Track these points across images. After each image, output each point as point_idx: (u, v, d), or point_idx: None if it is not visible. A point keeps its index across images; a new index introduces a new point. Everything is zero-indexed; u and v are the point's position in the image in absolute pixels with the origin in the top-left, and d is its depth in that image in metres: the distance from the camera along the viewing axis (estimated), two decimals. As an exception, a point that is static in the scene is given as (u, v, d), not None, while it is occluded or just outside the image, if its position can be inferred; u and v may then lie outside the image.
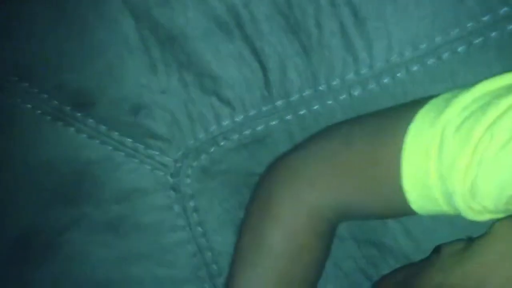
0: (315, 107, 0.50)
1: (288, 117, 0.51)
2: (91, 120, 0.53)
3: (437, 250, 0.42)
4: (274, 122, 0.51)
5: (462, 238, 0.43)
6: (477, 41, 0.46)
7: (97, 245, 0.53)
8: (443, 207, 0.41)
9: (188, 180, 0.53)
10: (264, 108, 0.51)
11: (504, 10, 0.44)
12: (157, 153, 0.52)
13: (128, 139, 0.52)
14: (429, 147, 0.39)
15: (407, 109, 0.42)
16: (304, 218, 0.45)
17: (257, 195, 0.48)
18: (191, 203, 0.53)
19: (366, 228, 0.52)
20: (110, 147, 0.53)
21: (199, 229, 0.53)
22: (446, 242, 0.42)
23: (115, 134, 0.52)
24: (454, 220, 0.48)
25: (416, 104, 0.42)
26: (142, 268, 0.53)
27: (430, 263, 0.41)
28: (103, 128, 0.53)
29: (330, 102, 0.50)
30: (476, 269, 0.38)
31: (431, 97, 0.42)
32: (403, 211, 0.43)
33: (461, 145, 0.38)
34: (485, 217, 0.41)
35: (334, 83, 0.50)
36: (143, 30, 0.50)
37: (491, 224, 0.41)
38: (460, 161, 0.38)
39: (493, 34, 0.45)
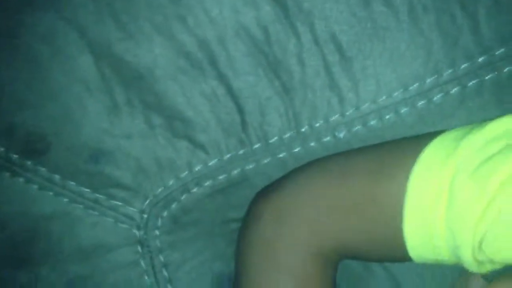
0: (296, 150, 0.47)
1: (266, 160, 0.47)
2: (43, 169, 0.46)
3: None
4: (251, 166, 0.47)
5: None
6: (471, 83, 0.43)
7: (55, 313, 0.46)
8: (444, 257, 0.38)
9: (157, 232, 0.47)
10: (240, 152, 0.47)
11: (501, 51, 0.42)
12: (120, 203, 0.47)
13: (87, 190, 0.47)
14: (437, 192, 0.36)
15: (411, 145, 0.39)
16: (311, 263, 0.41)
17: (247, 242, 0.44)
18: (160, 258, 0.48)
19: (349, 276, 0.49)
20: (66, 199, 0.47)
21: (169, 287, 0.48)
22: None
23: (72, 184, 0.46)
24: (440, 270, 0.47)
25: (421, 140, 0.39)
26: (104, 334, 0.47)
27: None
28: (57, 177, 0.46)
29: (312, 144, 0.46)
30: None
31: (436, 133, 0.39)
32: (400, 256, 0.40)
33: (476, 193, 0.35)
34: (486, 268, 0.38)
35: (317, 124, 0.46)
36: (104, 68, 0.44)
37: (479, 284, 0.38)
38: (474, 210, 0.35)
39: (489, 76, 0.43)
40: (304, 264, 0.42)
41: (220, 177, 0.47)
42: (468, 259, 0.37)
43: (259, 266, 0.43)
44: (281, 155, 0.47)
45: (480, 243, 0.36)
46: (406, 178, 0.38)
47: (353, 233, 0.41)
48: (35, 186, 0.46)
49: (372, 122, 0.46)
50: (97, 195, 0.47)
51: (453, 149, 0.37)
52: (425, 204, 0.37)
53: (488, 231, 0.35)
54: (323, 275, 0.43)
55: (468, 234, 0.35)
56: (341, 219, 0.41)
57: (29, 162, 0.46)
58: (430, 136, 0.39)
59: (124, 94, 0.45)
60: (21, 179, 0.46)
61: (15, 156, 0.46)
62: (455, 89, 0.44)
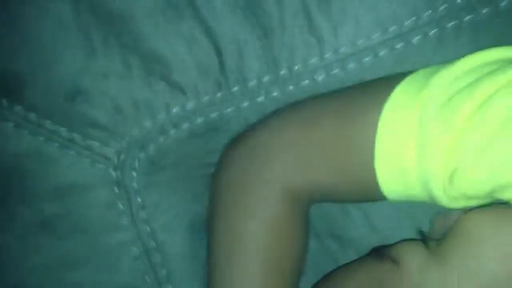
0: (275, 94, 0.46)
1: (245, 104, 0.47)
2: (18, 107, 0.46)
3: (382, 254, 0.39)
4: (229, 110, 0.47)
5: (413, 238, 0.41)
6: (450, 24, 0.43)
7: (29, 250, 0.47)
8: (416, 192, 0.38)
9: (134, 174, 0.47)
10: (218, 95, 0.46)
11: (479, -7, 0.42)
12: (97, 143, 0.47)
13: (63, 128, 0.46)
14: (407, 126, 0.36)
15: (382, 84, 0.39)
16: (281, 204, 0.42)
17: (220, 183, 0.44)
18: (138, 199, 0.48)
19: (327, 220, 0.49)
20: (41, 138, 0.46)
21: (146, 227, 0.48)
22: (388, 245, 0.40)
23: (47, 123, 0.46)
24: (416, 210, 0.47)
25: (392, 79, 0.39)
26: (79, 274, 0.48)
27: (392, 276, 0.38)
28: (33, 115, 0.46)
29: (291, 87, 0.46)
30: (464, 285, 0.35)
31: (408, 72, 0.39)
32: (374, 194, 0.40)
33: (446, 126, 0.35)
34: (460, 204, 0.38)
35: (296, 67, 0.46)
36: (80, 5, 0.44)
37: (456, 219, 0.38)
38: (443, 144, 0.35)
39: (467, 18, 0.42)
40: (274, 204, 0.42)
41: (198, 120, 0.47)
42: (439, 194, 0.37)
43: (229, 207, 0.43)
44: (259, 99, 0.47)
45: (451, 177, 0.36)
46: (377, 117, 0.38)
47: (325, 173, 0.41)
48: (11, 124, 0.46)
49: (351, 65, 0.45)
50: (73, 134, 0.46)
51: (423, 85, 0.37)
52: (395, 140, 0.37)
53: (458, 164, 0.35)
54: (294, 215, 0.43)
55: (438, 168, 0.35)
56: (312, 159, 0.41)
57: (4, 100, 0.46)
58: (401, 75, 0.39)
59: (100, 33, 0.44)
60: (-4, 117, 0.46)
61: (-11, 94, 0.45)
62: (434, 31, 0.44)
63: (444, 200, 0.37)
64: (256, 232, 0.42)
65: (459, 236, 0.36)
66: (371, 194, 0.40)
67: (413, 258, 0.37)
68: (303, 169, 0.41)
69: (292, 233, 0.43)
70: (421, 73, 0.39)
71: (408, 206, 0.47)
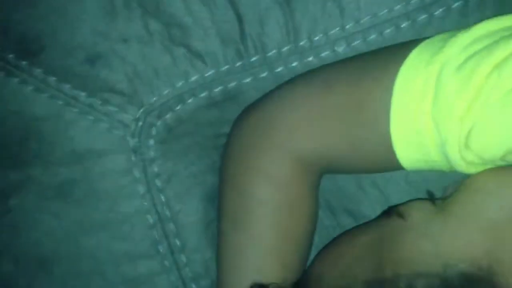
0: (294, 64, 0.46)
1: (264, 74, 0.47)
2: (38, 70, 0.46)
3: (390, 212, 0.39)
4: (247, 80, 0.47)
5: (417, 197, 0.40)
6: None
7: (45, 213, 0.46)
8: (433, 157, 0.38)
9: (151, 142, 0.47)
10: (237, 64, 0.46)
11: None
12: (115, 109, 0.46)
13: (82, 93, 0.46)
14: (423, 88, 0.36)
15: (397, 49, 0.39)
16: (290, 169, 0.41)
17: (230, 148, 0.44)
18: (154, 168, 0.47)
19: (341, 195, 0.48)
20: (60, 102, 0.46)
21: (161, 197, 0.48)
22: (399, 204, 0.39)
23: (67, 87, 0.46)
24: (432, 186, 0.46)
25: (407, 44, 0.38)
26: (94, 240, 0.47)
27: (398, 228, 0.37)
28: (52, 79, 0.46)
29: (311, 58, 0.46)
30: (465, 230, 0.35)
31: (421, 39, 0.39)
32: (389, 163, 0.39)
33: (462, 87, 0.34)
34: (477, 169, 0.38)
35: (317, 38, 0.46)
36: (103, -33, 0.44)
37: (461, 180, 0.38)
38: (459, 104, 0.34)
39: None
40: (284, 167, 0.42)
41: (216, 89, 0.47)
42: (455, 156, 0.36)
43: (239, 171, 0.43)
44: (278, 69, 0.46)
45: (467, 138, 0.35)
46: (392, 80, 0.37)
47: (337, 140, 0.41)
48: (30, 87, 0.46)
49: (372, 36, 0.45)
50: (92, 99, 0.46)
51: (441, 47, 0.36)
52: (411, 102, 0.36)
53: (474, 125, 0.35)
54: (304, 180, 0.43)
55: (454, 128, 0.35)
56: (323, 125, 0.41)
57: (24, 62, 0.45)
58: (417, 41, 0.39)
59: (123, -5, 0.44)
60: (16, 79, 0.46)
61: (10, 56, 0.45)
62: (457, 3, 0.43)
63: (461, 164, 0.36)
64: (267, 194, 0.42)
65: (463, 190, 0.37)
66: (386, 163, 0.40)
67: (419, 212, 0.37)
68: (313, 134, 0.41)
69: (303, 198, 0.43)
70: (437, 38, 0.38)
71: (424, 183, 0.46)
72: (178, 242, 0.49)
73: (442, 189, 0.39)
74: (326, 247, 0.41)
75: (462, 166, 0.37)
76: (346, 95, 0.39)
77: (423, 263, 0.34)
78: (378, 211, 0.48)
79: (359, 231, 0.40)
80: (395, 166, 0.39)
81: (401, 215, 0.37)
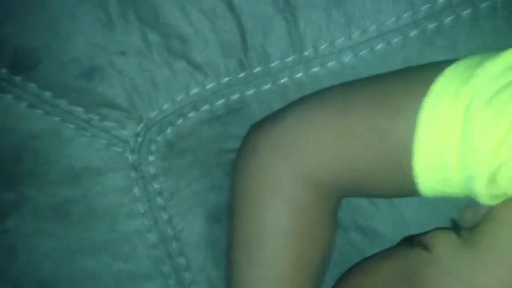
0: (299, 75, 0.44)
1: (267, 86, 0.45)
2: (33, 85, 0.44)
3: (414, 242, 0.37)
4: (250, 92, 0.45)
5: (442, 226, 0.39)
6: (484, 5, 0.41)
7: (43, 235, 0.45)
8: (454, 189, 0.36)
9: (151, 158, 0.45)
10: (240, 75, 0.45)
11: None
12: (114, 125, 0.45)
13: (79, 109, 0.44)
14: (450, 123, 0.34)
15: (422, 74, 0.37)
16: (308, 193, 0.40)
17: (242, 171, 0.42)
18: (154, 185, 0.46)
19: (353, 211, 0.46)
20: (56, 118, 0.44)
21: (163, 215, 0.46)
22: (422, 234, 0.38)
23: (63, 103, 0.44)
24: (445, 204, 0.44)
25: (432, 68, 0.36)
26: (94, 261, 0.45)
27: (423, 262, 0.36)
28: (48, 94, 0.44)
29: (316, 69, 0.44)
30: (495, 267, 0.33)
31: (445, 62, 0.37)
32: (407, 190, 0.38)
33: (492, 122, 0.33)
34: (499, 200, 0.36)
35: (322, 47, 0.44)
36: (99, -22, 0.42)
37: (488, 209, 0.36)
38: (490, 141, 0.33)
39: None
40: (300, 193, 0.40)
41: (218, 102, 0.45)
42: (481, 192, 0.35)
43: (253, 195, 0.41)
44: (282, 81, 0.45)
45: (495, 175, 0.34)
46: (416, 109, 0.35)
47: (355, 167, 0.39)
48: (24, 104, 0.44)
49: (380, 46, 0.43)
50: (90, 115, 0.44)
51: (468, 77, 0.35)
52: (437, 135, 0.35)
53: (504, 162, 0.33)
54: (320, 205, 0.41)
55: (483, 165, 0.33)
56: (344, 151, 0.39)
57: (18, 78, 0.44)
58: (439, 65, 0.37)
59: (119, 7, 0.43)
60: (9, 96, 0.44)
61: (3, 71, 0.44)
62: (467, 11, 0.42)
63: (485, 198, 0.35)
64: (282, 219, 0.40)
65: (491, 221, 0.35)
66: (404, 190, 0.38)
67: (445, 245, 0.36)
68: (330, 160, 0.39)
69: (319, 222, 0.41)
70: (463, 63, 0.36)
71: (436, 200, 0.44)
72: (182, 261, 0.47)
73: (459, 213, 0.38)
74: (347, 276, 0.39)
75: (485, 200, 0.35)
76: (367, 122, 0.38)
77: None
78: (391, 228, 0.47)
79: (381, 261, 0.38)
80: (413, 194, 0.38)
81: (425, 247, 0.35)
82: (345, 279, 0.39)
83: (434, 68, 0.36)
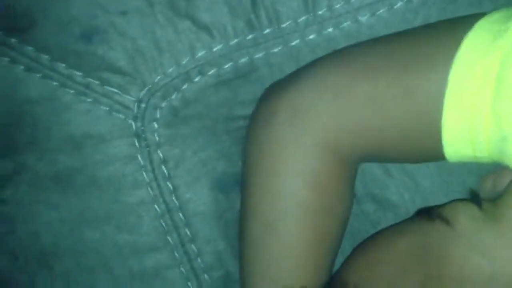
0: (311, 37, 0.42)
1: (278, 48, 0.42)
2: (30, 48, 0.42)
3: (432, 214, 0.35)
4: (260, 54, 0.43)
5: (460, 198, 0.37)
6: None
7: (43, 204, 0.43)
8: (484, 153, 0.34)
9: (155, 125, 0.43)
10: (249, 37, 0.42)
11: None
12: (115, 90, 0.43)
13: (78, 73, 0.42)
14: (483, 78, 0.32)
15: (448, 31, 0.35)
16: (329, 165, 0.38)
17: (257, 140, 0.40)
18: (159, 153, 0.44)
19: (366, 180, 0.44)
20: (55, 83, 0.42)
21: (168, 185, 0.44)
22: (437, 206, 0.36)
23: (62, 66, 0.42)
24: (466, 173, 0.42)
25: (460, 23, 0.35)
26: (98, 233, 0.44)
27: (445, 237, 0.34)
28: (45, 58, 0.42)
29: (330, 30, 0.42)
30: None
31: (473, 16, 0.35)
32: (432, 155, 0.36)
33: None
34: None
35: (338, 6, 0.41)
36: None
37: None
38: None
39: None
40: (322, 165, 0.38)
41: (226, 66, 0.43)
42: None
43: (272, 168, 0.39)
44: (294, 43, 0.42)
45: None
46: (446, 67, 0.34)
47: (381, 130, 0.37)
48: (21, 67, 0.42)
49: (399, 4, 0.41)
50: (90, 79, 0.42)
51: (500, 31, 0.33)
52: (468, 94, 0.33)
53: None
54: (341, 177, 0.39)
55: None
56: (368, 114, 0.37)
57: (13, 40, 0.42)
58: (468, 20, 0.35)
59: (120, -38, 0.40)
60: (5, 59, 0.42)
61: (-2, 32, 0.42)
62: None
63: None
64: (305, 196, 0.38)
65: None
66: (429, 154, 0.37)
67: (468, 218, 0.34)
68: (353, 124, 0.37)
69: (341, 198, 0.40)
70: (492, 17, 0.34)
71: (457, 168, 0.42)
72: (188, 232, 0.45)
73: (480, 181, 0.35)
74: (361, 250, 0.38)
75: None
76: (394, 83, 0.36)
77: (478, 284, 0.30)
78: (406, 198, 0.45)
79: (398, 236, 0.36)
80: (438, 157, 0.36)
81: (446, 221, 0.33)
82: (359, 253, 0.38)
83: (463, 23, 0.35)
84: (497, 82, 0.32)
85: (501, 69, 0.32)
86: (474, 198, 0.37)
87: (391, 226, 0.40)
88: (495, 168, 0.36)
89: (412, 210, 0.44)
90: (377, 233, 0.41)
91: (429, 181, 0.44)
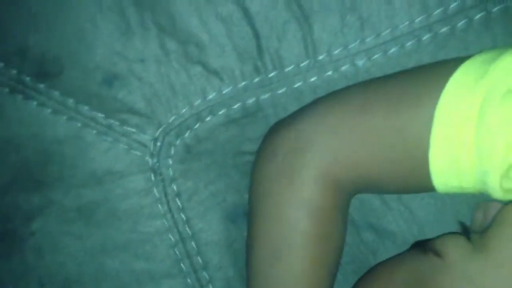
0: (313, 79, 0.45)
1: (282, 90, 0.46)
2: (56, 93, 0.45)
3: (426, 248, 0.38)
4: (266, 95, 0.46)
5: (453, 231, 0.40)
6: (496, 8, 0.41)
7: (68, 236, 0.46)
8: (469, 184, 0.37)
9: (170, 161, 0.47)
10: (255, 80, 0.46)
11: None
12: (134, 130, 0.46)
13: (100, 114, 0.46)
14: (466, 117, 0.35)
15: (437, 71, 0.37)
16: (327, 195, 0.40)
17: (261, 173, 0.43)
18: (173, 187, 0.47)
19: (365, 210, 0.47)
20: (79, 124, 0.46)
21: (182, 216, 0.47)
22: (430, 239, 0.39)
23: (85, 109, 0.46)
24: (458, 202, 0.45)
25: (447, 65, 0.37)
26: (117, 260, 0.47)
27: (436, 268, 0.36)
28: (70, 101, 0.46)
29: (330, 73, 0.45)
30: (508, 272, 0.33)
31: (460, 58, 0.37)
32: (422, 186, 0.38)
33: (508, 116, 0.33)
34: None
35: (336, 52, 0.44)
36: (118, -13, 0.43)
37: (497, 210, 0.37)
38: (505, 135, 0.33)
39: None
40: (321, 197, 0.41)
41: (235, 106, 0.46)
42: (495, 186, 0.35)
43: (272, 197, 0.42)
44: (297, 85, 0.45)
45: (509, 170, 0.34)
46: (432, 105, 0.36)
47: (374, 163, 0.40)
48: (48, 110, 0.46)
49: (393, 50, 0.44)
50: (111, 120, 0.46)
51: (483, 73, 0.35)
52: (452, 130, 0.35)
53: None
54: (337, 205, 0.42)
55: (497, 160, 0.34)
56: (362, 148, 0.40)
57: (42, 85, 0.45)
58: (455, 62, 0.38)
59: (138, 15, 0.44)
60: (34, 102, 0.46)
61: (27, 78, 0.45)
62: (480, 15, 0.42)
63: (498, 193, 0.35)
64: (308, 226, 0.40)
65: (501, 224, 0.35)
66: (419, 186, 0.39)
67: (457, 251, 0.36)
68: (349, 158, 0.40)
69: (339, 226, 0.42)
70: (478, 59, 0.37)
71: (450, 198, 0.45)
72: (200, 260, 0.48)
73: (472, 212, 0.38)
74: (363, 282, 0.40)
75: (499, 195, 0.36)
76: (385, 119, 0.38)
77: None
78: (403, 227, 0.47)
79: (395, 267, 0.39)
80: (429, 189, 0.38)
81: (437, 253, 0.36)
82: (361, 285, 0.40)
83: (450, 65, 0.37)
84: (478, 120, 0.34)
85: (482, 109, 0.34)
86: (464, 230, 0.39)
87: (390, 258, 0.43)
88: (486, 198, 0.38)
89: (409, 239, 0.47)
90: (377, 264, 0.43)
91: (424, 211, 0.46)
